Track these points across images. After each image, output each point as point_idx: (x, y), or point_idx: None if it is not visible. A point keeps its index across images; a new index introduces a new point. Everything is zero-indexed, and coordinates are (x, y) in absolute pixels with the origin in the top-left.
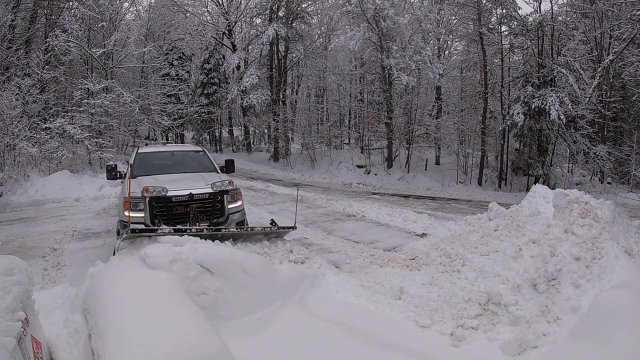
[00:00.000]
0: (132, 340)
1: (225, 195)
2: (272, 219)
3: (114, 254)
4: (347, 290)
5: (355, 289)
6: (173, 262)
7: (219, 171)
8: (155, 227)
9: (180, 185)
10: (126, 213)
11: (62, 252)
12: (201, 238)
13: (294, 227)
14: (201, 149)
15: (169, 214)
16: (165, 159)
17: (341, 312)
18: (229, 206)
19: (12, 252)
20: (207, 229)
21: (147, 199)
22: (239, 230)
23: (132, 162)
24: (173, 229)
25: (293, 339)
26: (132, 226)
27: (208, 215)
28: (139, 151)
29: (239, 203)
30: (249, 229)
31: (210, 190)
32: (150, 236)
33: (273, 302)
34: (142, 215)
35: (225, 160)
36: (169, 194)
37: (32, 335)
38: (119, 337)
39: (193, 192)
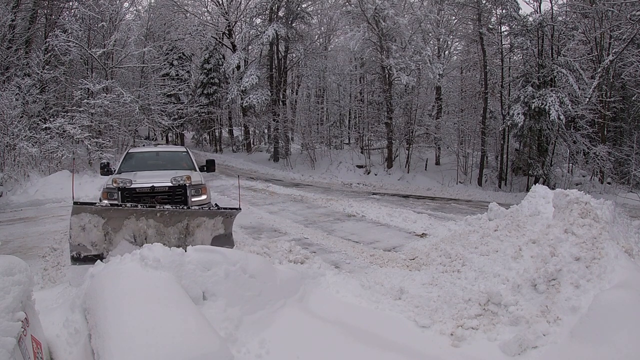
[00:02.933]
0: (132, 340)
1: (187, 189)
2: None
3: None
4: (347, 290)
5: (355, 289)
6: (173, 262)
7: (197, 169)
8: (95, 202)
9: (147, 180)
10: (104, 201)
11: (62, 252)
12: (140, 216)
13: (238, 209)
14: (185, 150)
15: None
16: (150, 158)
17: (341, 312)
18: (193, 199)
19: (12, 252)
20: (141, 205)
21: (119, 190)
22: (176, 208)
23: (121, 160)
24: (110, 203)
25: (293, 339)
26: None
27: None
28: (129, 151)
29: (204, 197)
30: (188, 208)
31: (169, 184)
32: (91, 209)
33: (273, 302)
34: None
35: (206, 160)
36: (133, 185)
37: (32, 335)
38: (119, 337)
39: (155, 184)
